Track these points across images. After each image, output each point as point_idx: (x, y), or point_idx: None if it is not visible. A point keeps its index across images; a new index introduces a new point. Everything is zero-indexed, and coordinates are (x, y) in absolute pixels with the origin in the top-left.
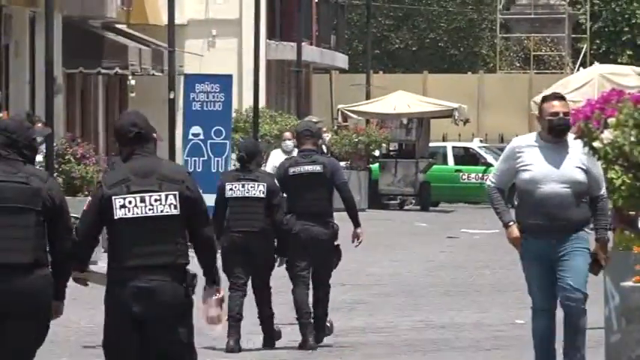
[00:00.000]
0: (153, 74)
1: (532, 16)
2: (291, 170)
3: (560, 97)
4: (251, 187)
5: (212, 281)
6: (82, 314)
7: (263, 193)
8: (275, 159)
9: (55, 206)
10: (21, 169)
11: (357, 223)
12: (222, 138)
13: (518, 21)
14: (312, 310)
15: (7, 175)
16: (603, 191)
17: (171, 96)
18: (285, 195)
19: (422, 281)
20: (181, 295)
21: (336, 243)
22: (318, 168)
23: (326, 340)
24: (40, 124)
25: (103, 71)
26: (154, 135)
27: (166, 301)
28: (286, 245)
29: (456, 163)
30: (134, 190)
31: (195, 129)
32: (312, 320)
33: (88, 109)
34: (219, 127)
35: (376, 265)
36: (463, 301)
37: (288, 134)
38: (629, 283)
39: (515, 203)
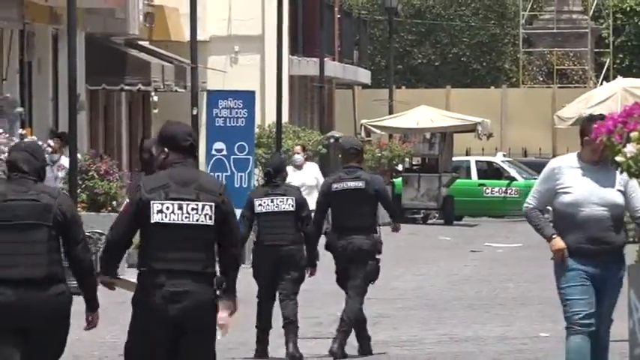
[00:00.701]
0: (176, 90)
1: (555, 30)
2: (334, 186)
3: (600, 119)
4: (280, 201)
5: (231, 294)
6: (106, 329)
7: (292, 206)
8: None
9: (66, 220)
10: (31, 187)
11: (395, 219)
12: (245, 153)
13: (540, 35)
14: (345, 318)
15: (18, 193)
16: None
17: (194, 112)
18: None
19: (445, 295)
20: (210, 301)
21: (377, 257)
22: (360, 184)
23: (347, 350)
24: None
25: (126, 88)
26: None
27: (195, 305)
28: (315, 256)
29: (480, 177)
30: (172, 197)
31: (219, 145)
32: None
33: (111, 126)
34: (242, 143)
35: (400, 279)
36: (487, 315)
37: (297, 148)
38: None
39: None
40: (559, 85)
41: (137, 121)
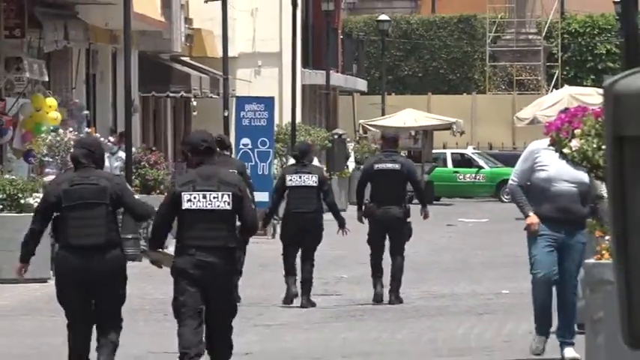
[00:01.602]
0: (211, 97)
1: (514, 48)
2: (376, 166)
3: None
4: (306, 177)
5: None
6: (155, 289)
7: (315, 182)
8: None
9: (119, 198)
10: (92, 173)
11: (424, 205)
12: (266, 147)
13: (503, 52)
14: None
15: (82, 179)
16: (600, 193)
17: (226, 114)
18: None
19: (427, 260)
20: (229, 269)
21: (408, 220)
22: (397, 166)
23: (345, 303)
24: (112, 139)
25: (171, 95)
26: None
27: (219, 272)
28: (341, 219)
29: (454, 166)
30: (198, 189)
31: (245, 140)
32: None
33: (159, 126)
34: (264, 139)
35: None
36: (460, 276)
37: (296, 145)
38: (591, 260)
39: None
40: (517, 92)
41: (180, 122)
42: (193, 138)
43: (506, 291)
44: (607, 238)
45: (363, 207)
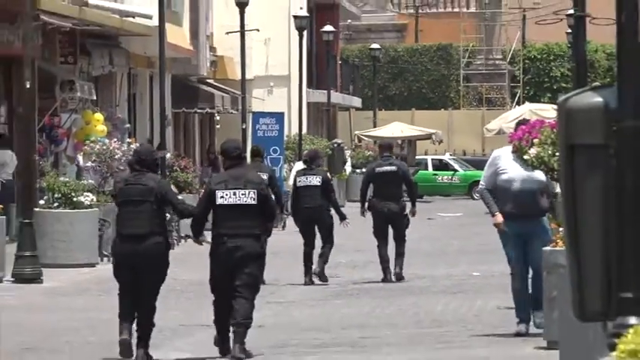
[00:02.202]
0: (231, 112)
1: (484, 71)
2: (377, 169)
3: (523, 123)
4: (312, 178)
5: (267, 235)
6: (186, 272)
7: (319, 182)
8: (296, 167)
9: (162, 197)
10: (143, 176)
11: (413, 204)
12: (277, 154)
13: (474, 75)
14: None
15: (135, 180)
16: (554, 191)
17: (244, 127)
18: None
19: (411, 247)
20: (256, 250)
21: (405, 213)
22: (394, 168)
23: (344, 283)
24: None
25: (198, 111)
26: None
27: (248, 253)
28: (341, 214)
29: (434, 169)
30: (229, 187)
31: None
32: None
33: (188, 136)
34: (276, 147)
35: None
36: (438, 261)
37: (305, 152)
38: (548, 248)
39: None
40: (486, 108)
41: (205, 134)
42: (228, 146)
43: (477, 273)
44: (561, 229)
45: (366, 203)
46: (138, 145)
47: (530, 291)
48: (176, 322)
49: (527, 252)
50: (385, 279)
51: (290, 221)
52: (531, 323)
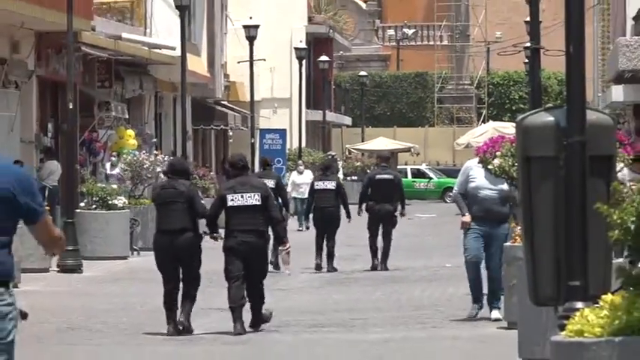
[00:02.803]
0: (242, 129)
1: (454, 95)
2: (377, 177)
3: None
4: (328, 183)
5: (281, 240)
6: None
7: (334, 186)
8: (293, 176)
9: (191, 200)
10: (176, 182)
11: (403, 207)
12: (281, 164)
13: (447, 98)
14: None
15: (169, 185)
16: (514, 196)
17: (252, 141)
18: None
19: (394, 243)
20: (262, 244)
21: (395, 214)
22: (390, 176)
23: (339, 275)
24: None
25: (214, 127)
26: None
27: (255, 246)
28: (349, 212)
29: (412, 177)
30: (237, 191)
31: (278, 159)
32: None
33: (206, 149)
34: (279, 158)
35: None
36: (416, 254)
37: (300, 162)
38: (508, 244)
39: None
40: (457, 126)
41: (220, 147)
42: (234, 159)
43: (449, 265)
44: (519, 228)
45: (364, 205)
46: (164, 156)
47: (486, 285)
48: (196, 307)
49: (486, 251)
50: (373, 265)
51: (293, 221)
52: (492, 313)
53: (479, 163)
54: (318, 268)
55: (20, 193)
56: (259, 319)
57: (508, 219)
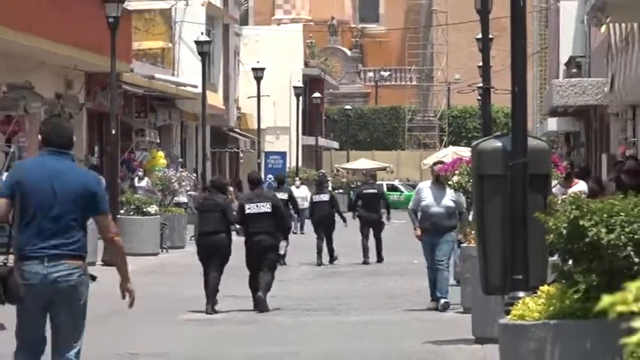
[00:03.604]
0: (250, 151)
1: (421, 124)
2: (364, 191)
3: (440, 163)
4: (323, 196)
5: (284, 239)
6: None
7: (327, 198)
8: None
9: (225, 210)
10: (215, 194)
11: (388, 213)
12: (271, 180)
13: (415, 127)
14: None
15: (208, 197)
16: (463, 210)
17: (259, 161)
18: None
19: (372, 244)
20: (274, 242)
21: (382, 220)
22: (375, 190)
23: (327, 269)
24: (193, 176)
25: (228, 150)
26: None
27: (268, 244)
28: (344, 219)
29: (387, 191)
30: (253, 202)
31: (270, 176)
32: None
33: (222, 167)
34: (271, 175)
35: (351, 239)
36: (390, 253)
37: (297, 178)
38: (465, 244)
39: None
40: (423, 150)
41: (233, 166)
42: (252, 176)
43: (416, 261)
44: (472, 232)
45: (356, 213)
46: (188, 173)
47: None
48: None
49: (436, 253)
50: (365, 261)
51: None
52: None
53: (435, 180)
54: (319, 265)
55: (93, 192)
56: (263, 302)
57: (453, 229)
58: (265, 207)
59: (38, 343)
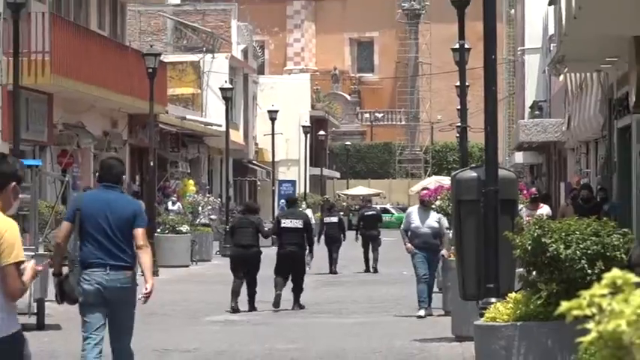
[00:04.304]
0: (266, 180)
1: (409, 157)
2: (365, 213)
3: (425, 189)
4: (332, 217)
5: (310, 251)
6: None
7: (337, 220)
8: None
9: (257, 227)
10: (250, 215)
11: (377, 232)
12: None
13: (404, 160)
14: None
15: (246, 218)
16: (445, 230)
17: (273, 189)
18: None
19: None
20: (303, 253)
21: (379, 237)
22: (374, 212)
23: (330, 279)
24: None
25: (248, 180)
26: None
27: (298, 255)
28: (344, 236)
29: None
30: (288, 218)
31: (282, 200)
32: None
33: (242, 194)
34: (283, 200)
35: (350, 253)
36: (382, 265)
37: (303, 203)
38: (448, 259)
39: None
40: (410, 179)
41: (251, 192)
42: (291, 197)
43: (405, 272)
44: (453, 248)
45: (358, 231)
46: (214, 198)
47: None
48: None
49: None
50: (367, 270)
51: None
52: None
53: (421, 205)
54: (332, 273)
55: (135, 214)
56: (299, 304)
57: (439, 247)
58: (298, 223)
59: (97, 335)
